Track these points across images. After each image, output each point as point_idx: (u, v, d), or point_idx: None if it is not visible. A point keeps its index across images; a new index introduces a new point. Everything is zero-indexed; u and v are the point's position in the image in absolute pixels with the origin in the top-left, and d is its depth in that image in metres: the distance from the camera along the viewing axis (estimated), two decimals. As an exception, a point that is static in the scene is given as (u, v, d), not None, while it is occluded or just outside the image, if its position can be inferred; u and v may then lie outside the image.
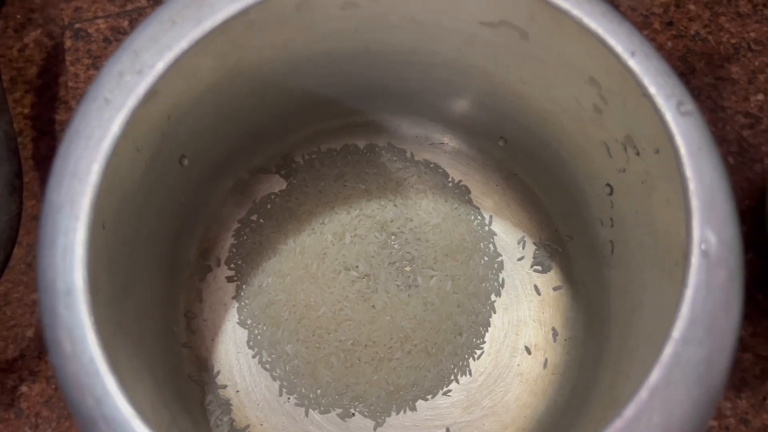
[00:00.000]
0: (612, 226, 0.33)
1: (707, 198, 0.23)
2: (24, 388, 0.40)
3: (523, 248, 0.40)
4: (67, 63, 0.45)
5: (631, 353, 0.30)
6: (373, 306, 0.38)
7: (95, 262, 0.23)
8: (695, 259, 0.23)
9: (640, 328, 0.30)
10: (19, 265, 0.42)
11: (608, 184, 0.32)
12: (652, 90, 0.24)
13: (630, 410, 0.21)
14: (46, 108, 0.45)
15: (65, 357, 0.20)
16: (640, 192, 0.29)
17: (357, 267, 0.39)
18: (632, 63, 0.25)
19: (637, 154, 0.28)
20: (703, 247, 0.23)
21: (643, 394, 0.21)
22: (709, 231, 0.23)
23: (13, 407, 0.39)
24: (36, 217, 0.43)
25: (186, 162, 0.33)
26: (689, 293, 0.23)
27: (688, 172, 0.24)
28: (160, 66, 0.24)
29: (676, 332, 0.22)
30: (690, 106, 0.24)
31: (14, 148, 0.38)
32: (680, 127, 0.24)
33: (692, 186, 0.24)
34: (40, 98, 0.45)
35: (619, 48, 0.25)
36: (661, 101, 0.24)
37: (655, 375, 0.21)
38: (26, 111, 0.45)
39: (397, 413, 0.37)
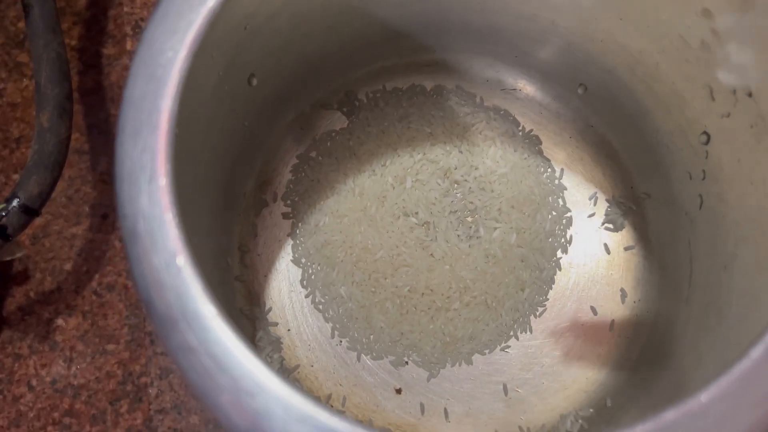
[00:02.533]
0: (704, 179, 0.31)
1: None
2: (60, 321, 0.39)
3: (595, 204, 0.38)
4: (125, -15, 0.43)
5: (719, 312, 0.28)
6: (431, 254, 0.36)
7: (175, 164, 0.21)
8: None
9: (732, 285, 0.28)
10: (59, 197, 0.41)
11: (705, 132, 0.30)
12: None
13: (758, 350, 0.19)
14: (93, 41, 0.44)
15: (144, 251, 0.19)
16: (747, 138, 0.27)
17: (417, 213, 0.37)
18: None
19: (749, 95, 0.26)
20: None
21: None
22: None
23: (47, 339, 0.38)
24: (79, 151, 0.41)
25: (255, 82, 0.31)
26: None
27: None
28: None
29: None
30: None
31: (66, 70, 0.36)
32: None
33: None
34: (88, 31, 0.44)
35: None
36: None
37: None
38: (73, 43, 0.43)
39: (453, 365, 0.35)
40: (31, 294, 0.39)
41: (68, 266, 0.40)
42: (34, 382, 0.38)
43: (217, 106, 0.29)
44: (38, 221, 0.40)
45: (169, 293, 0.18)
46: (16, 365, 0.38)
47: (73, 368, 0.38)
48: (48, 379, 0.38)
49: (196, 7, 0.21)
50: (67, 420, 0.37)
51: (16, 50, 0.43)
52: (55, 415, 0.37)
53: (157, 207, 0.19)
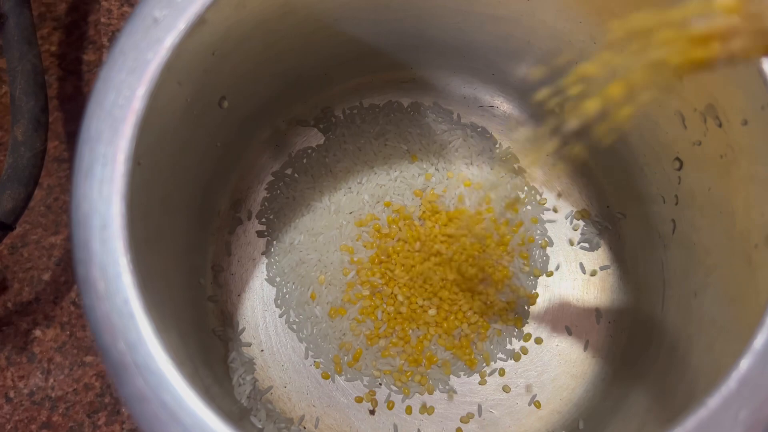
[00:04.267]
0: (676, 204, 0.31)
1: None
2: (38, 333, 0.38)
3: (571, 223, 0.37)
4: (101, -3, 0.43)
5: (689, 340, 0.28)
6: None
7: (131, 199, 0.21)
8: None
9: (702, 314, 0.28)
10: (38, 206, 0.40)
11: (677, 158, 0.30)
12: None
13: (715, 400, 0.19)
14: (74, 47, 0.43)
15: (98, 296, 0.18)
16: (717, 167, 0.27)
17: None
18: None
19: (719, 125, 0.26)
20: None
21: (731, 384, 0.19)
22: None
23: (25, 351, 0.38)
24: (59, 159, 0.41)
25: (226, 104, 0.31)
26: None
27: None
28: (213, -11, 0.22)
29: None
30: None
31: (41, 82, 0.36)
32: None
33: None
34: (68, 36, 0.43)
35: (718, 3, 0.23)
36: None
37: (745, 364, 0.19)
38: (53, 49, 0.43)
39: (428, 390, 0.35)
40: (9, 305, 0.39)
41: (46, 276, 0.39)
42: (11, 394, 0.38)
43: (186, 130, 0.28)
44: (16, 231, 0.39)
45: (121, 340, 0.18)
46: (-6, 377, 0.38)
47: (51, 380, 0.38)
48: (26, 391, 0.37)
49: (155, 45, 0.20)
50: (44, 432, 0.37)
51: (-8, 59, 0.43)
52: (33, 427, 0.37)
53: (110, 253, 0.18)
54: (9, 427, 0.37)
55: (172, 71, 0.24)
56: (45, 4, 0.43)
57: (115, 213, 0.19)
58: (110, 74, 0.20)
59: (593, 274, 0.37)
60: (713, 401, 0.19)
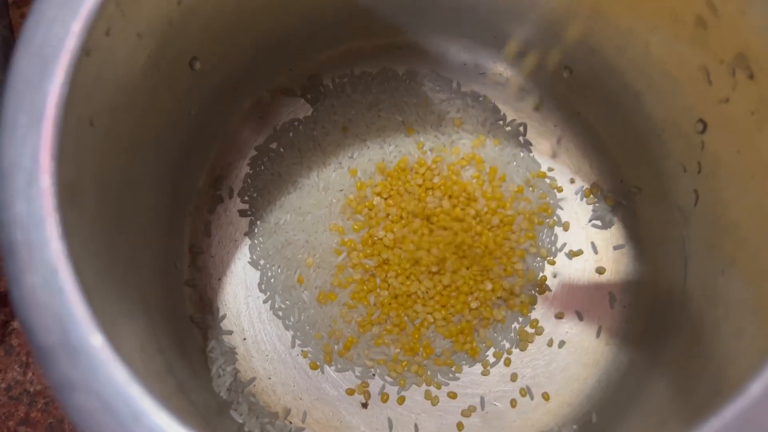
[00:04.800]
0: (699, 172, 0.27)
1: None
2: (16, 324, 0.36)
3: (582, 199, 0.34)
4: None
5: (715, 323, 0.25)
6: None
7: (76, 161, 0.18)
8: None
9: (730, 294, 0.25)
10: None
11: (701, 120, 0.27)
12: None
13: (758, 387, 0.15)
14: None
15: (22, 267, 0.15)
16: (748, 126, 0.24)
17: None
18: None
19: (750, 77, 0.23)
20: None
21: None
22: None
23: (3, 343, 0.36)
24: None
25: (198, 65, 0.28)
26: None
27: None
28: None
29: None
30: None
31: (10, 55, 0.33)
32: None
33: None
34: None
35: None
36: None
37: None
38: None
39: (426, 382, 0.32)
40: (-16, 297, 0.37)
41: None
42: (-12, 389, 0.35)
43: (152, 89, 0.26)
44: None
45: (49, 318, 0.15)
46: (-30, 372, 0.36)
47: (30, 374, 0.36)
48: (3, 385, 0.35)
49: (94, -25, 0.17)
50: (23, 429, 0.35)
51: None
52: (10, 423, 0.35)
53: (36, 214, 0.16)
54: (-15, 423, 0.35)
55: (126, 16, 0.21)
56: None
57: (43, 168, 0.16)
58: (42, 8, 0.17)
59: (606, 254, 0.33)
60: (756, 388, 0.15)
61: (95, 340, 0.15)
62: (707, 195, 0.27)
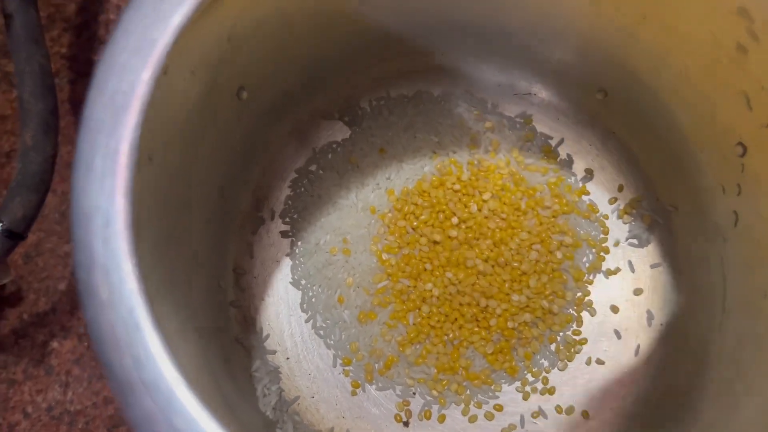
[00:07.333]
0: (739, 194, 0.28)
1: None
2: (55, 344, 0.37)
3: (618, 218, 0.35)
4: (112, -7, 0.41)
5: (759, 343, 0.25)
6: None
7: (140, 197, 0.19)
8: None
9: (773, 315, 0.25)
10: (52, 213, 0.39)
11: (740, 143, 0.27)
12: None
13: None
14: (84, 48, 0.41)
15: (100, 305, 0.16)
16: (790, 151, 0.24)
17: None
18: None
19: (793, 104, 0.23)
20: None
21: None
22: None
23: (43, 363, 0.36)
24: (72, 165, 0.39)
25: (245, 95, 0.29)
26: None
27: None
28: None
29: None
30: None
31: (50, 84, 0.34)
32: None
33: None
34: (78, 38, 0.41)
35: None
36: None
37: None
38: (63, 51, 0.41)
39: (466, 401, 0.33)
40: (25, 316, 0.37)
41: (62, 286, 0.38)
42: (29, 409, 0.36)
43: (202, 123, 0.26)
44: (31, 239, 0.38)
45: (127, 356, 0.16)
46: (11, 391, 0.36)
47: (70, 393, 0.36)
48: (44, 405, 0.36)
49: (161, 23, 0.18)
50: (64, 447, 0.35)
51: (5, 59, 0.41)
52: (51, 443, 0.36)
53: (114, 255, 0.16)
54: (28, 444, 0.36)
55: (183, 57, 0.22)
56: (54, 5, 0.42)
57: (119, 209, 0.17)
58: (113, 56, 0.18)
59: (643, 272, 0.34)
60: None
61: (171, 376, 0.16)
62: (748, 216, 0.28)
